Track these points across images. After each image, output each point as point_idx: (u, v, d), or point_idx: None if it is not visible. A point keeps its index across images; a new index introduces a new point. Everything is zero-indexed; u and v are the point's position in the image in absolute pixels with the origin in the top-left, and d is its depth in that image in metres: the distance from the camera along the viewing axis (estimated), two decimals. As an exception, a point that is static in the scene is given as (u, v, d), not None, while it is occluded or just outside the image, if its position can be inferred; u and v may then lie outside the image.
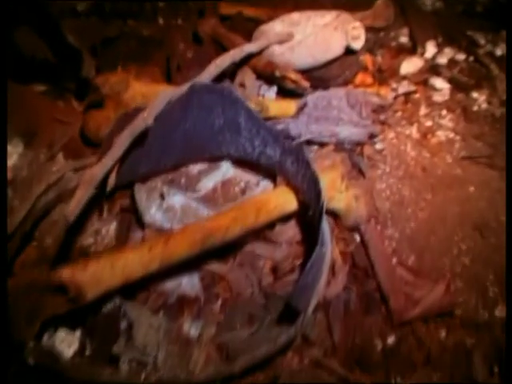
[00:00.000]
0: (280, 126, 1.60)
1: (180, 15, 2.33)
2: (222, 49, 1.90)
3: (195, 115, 1.26)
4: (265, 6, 2.29)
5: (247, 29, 2.04)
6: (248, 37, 1.93)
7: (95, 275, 0.97)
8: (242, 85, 1.71)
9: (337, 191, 1.29)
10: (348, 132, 1.54)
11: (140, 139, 1.17)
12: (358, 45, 1.67)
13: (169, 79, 1.76)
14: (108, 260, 0.99)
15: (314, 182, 1.08)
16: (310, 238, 1.23)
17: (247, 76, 1.74)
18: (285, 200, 1.21)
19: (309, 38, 1.68)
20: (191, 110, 1.25)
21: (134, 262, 1.01)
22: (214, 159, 1.38)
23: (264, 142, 1.23)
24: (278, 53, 1.71)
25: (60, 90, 1.76)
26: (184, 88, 1.29)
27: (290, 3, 2.28)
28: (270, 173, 1.35)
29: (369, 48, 1.94)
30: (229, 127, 1.26)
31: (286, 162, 1.20)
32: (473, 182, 1.48)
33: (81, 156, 1.45)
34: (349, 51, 1.70)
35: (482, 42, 1.97)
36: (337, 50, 1.69)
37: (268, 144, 1.22)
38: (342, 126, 1.56)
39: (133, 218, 1.33)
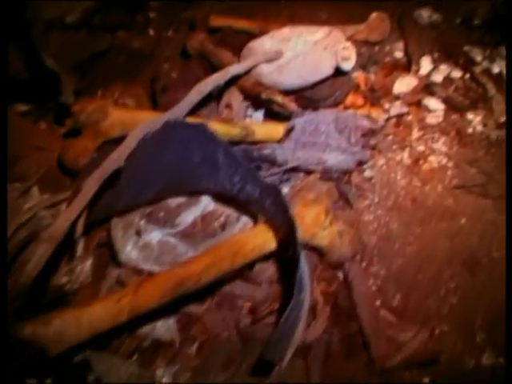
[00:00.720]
0: (266, 152, 1.55)
1: (171, 27, 2.28)
2: (211, 66, 1.85)
3: (173, 150, 1.21)
4: (258, 18, 2.23)
5: (238, 42, 1.98)
6: (238, 51, 1.87)
7: (59, 331, 0.93)
8: (229, 106, 1.66)
9: (320, 227, 1.24)
10: (336, 159, 1.49)
11: (114, 176, 1.13)
12: (348, 66, 1.61)
13: (154, 101, 1.71)
14: (73, 315, 0.95)
15: (292, 230, 1.03)
16: (288, 282, 1.19)
17: (234, 96, 1.68)
18: (264, 240, 1.17)
19: (297, 59, 1.62)
20: (168, 145, 1.20)
21: (101, 315, 0.97)
22: (194, 193, 1.33)
23: (243, 179, 1.18)
24: (267, 72, 1.65)
25: (43, 110, 1.72)
26: (160, 120, 1.25)
27: (285, 14, 2.22)
28: (250, 209, 1.30)
29: (362, 64, 1.88)
30: (207, 162, 1.22)
31: (265, 201, 1.15)
32: (465, 213, 1.43)
33: (58, 185, 1.41)
34: (340, 71, 1.65)
35: (479, 58, 1.90)
36: (326, 70, 1.63)
37: (247, 182, 1.17)
38: (329, 152, 1.50)
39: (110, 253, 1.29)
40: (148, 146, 1.18)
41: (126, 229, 1.26)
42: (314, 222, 1.23)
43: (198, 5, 2.38)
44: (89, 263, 1.27)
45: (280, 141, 1.57)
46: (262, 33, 1.98)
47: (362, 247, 1.33)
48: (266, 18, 2.21)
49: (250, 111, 1.72)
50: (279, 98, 1.56)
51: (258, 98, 1.62)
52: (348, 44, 1.61)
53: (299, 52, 1.72)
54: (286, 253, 1.14)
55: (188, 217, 1.30)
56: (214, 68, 1.85)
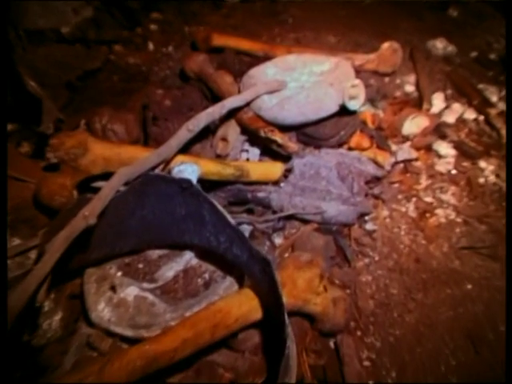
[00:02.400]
0: (261, 195, 1.44)
1: (172, 42, 2.16)
2: (209, 92, 1.74)
3: (153, 202, 1.10)
4: (263, 39, 2.11)
5: (240, 65, 1.87)
6: (240, 75, 1.75)
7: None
8: (225, 139, 1.54)
9: (314, 293, 1.13)
10: (335, 210, 1.37)
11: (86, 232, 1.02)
12: (355, 105, 1.48)
13: (144, 130, 1.59)
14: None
15: (279, 307, 0.92)
16: (274, 357, 1.08)
17: (231, 129, 1.57)
18: (249, 309, 1.05)
19: (301, 94, 1.50)
20: (147, 197, 1.09)
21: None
22: (178, 246, 1.22)
23: (230, 240, 1.06)
24: (267, 106, 1.53)
25: (27, 131, 1.61)
26: (142, 166, 1.14)
27: (291, 37, 2.10)
28: (236, 269, 1.19)
29: (370, 97, 1.76)
30: (192, 217, 1.10)
31: (253, 266, 1.04)
32: (471, 278, 1.32)
33: (33, 223, 1.30)
34: (346, 109, 1.52)
35: (495, 98, 1.78)
36: (331, 109, 1.50)
37: (234, 243, 1.06)
38: (329, 201, 1.39)
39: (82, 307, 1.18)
40: (125, 198, 1.07)
41: (100, 282, 1.15)
42: (307, 286, 1.12)
43: (203, 19, 2.26)
44: (58, 318, 1.16)
45: (277, 182, 1.46)
46: (267, 56, 1.87)
47: (358, 314, 1.22)
48: (271, 38, 2.10)
49: (246, 146, 1.60)
50: (278, 138, 1.44)
51: (256, 135, 1.51)
52: (357, 81, 1.48)
53: (304, 83, 1.61)
54: (272, 323, 1.03)
55: (169, 271, 1.19)
56: (211, 94, 1.74)
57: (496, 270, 1.33)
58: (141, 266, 1.20)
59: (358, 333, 1.20)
